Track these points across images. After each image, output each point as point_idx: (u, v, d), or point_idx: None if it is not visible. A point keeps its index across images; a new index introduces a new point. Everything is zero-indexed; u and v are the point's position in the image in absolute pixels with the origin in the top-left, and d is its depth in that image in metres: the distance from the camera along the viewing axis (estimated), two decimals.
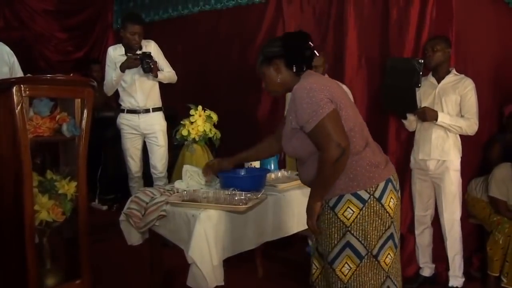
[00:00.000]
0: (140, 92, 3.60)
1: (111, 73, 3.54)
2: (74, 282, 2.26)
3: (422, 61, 2.78)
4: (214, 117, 3.34)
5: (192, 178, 2.54)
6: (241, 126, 4.18)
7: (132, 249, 2.60)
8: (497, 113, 3.31)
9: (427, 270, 3.06)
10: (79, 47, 5.40)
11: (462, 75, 2.90)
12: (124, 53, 3.53)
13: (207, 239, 2.09)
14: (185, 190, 2.37)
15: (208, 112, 3.36)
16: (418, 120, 2.93)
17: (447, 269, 2.94)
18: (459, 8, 3.02)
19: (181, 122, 3.32)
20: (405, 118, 2.97)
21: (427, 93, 2.93)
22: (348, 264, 1.77)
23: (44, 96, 2.19)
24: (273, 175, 2.79)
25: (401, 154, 3.26)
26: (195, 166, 2.71)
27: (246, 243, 2.32)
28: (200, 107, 3.35)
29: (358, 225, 1.76)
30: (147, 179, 3.80)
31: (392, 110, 3.16)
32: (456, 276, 2.89)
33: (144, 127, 3.67)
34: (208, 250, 2.09)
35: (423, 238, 3.04)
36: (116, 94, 3.76)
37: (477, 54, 3.19)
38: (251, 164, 2.85)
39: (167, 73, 3.66)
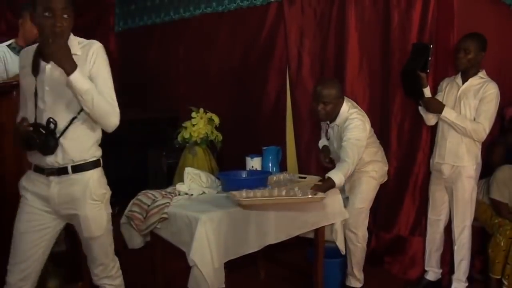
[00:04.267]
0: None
1: None
2: (75, 285, 2.26)
3: (432, 45, 2.76)
4: (216, 119, 3.34)
5: (193, 180, 2.55)
6: (243, 128, 4.19)
7: (134, 252, 2.60)
8: (498, 115, 3.30)
9: (432, 274, 3.03)
10: None
11: (487, 78, 2.76)
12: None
13: (209, 241, 2.09)
14: (202, 192, 2.49)
15: (209, 114, 3.36)
16: (427, 113, 2.88)
17: (450, 272, 2.93)
18: (460, 10, 3.01)
19: (183, 124, 3.32)
20: (420, 105, 2.91)
21: (450, 94, 2.85)
22: None
23: None
24: (274, 178, 2.78)
25: (402, 155, 3.26)
26: (197, 168, 2.71)
27: (248, 245, 2.32)
28: (201, 110, 3.35)
29: None
30: None
31: (409, 97, 3.08)
32: (459, 280, 2.86)
33: (60, 202, 1.89)
34: (209, 253, 2.09)
35: (434, 242, 3.00)
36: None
37: None
38: (252, 166, 2.85)
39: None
